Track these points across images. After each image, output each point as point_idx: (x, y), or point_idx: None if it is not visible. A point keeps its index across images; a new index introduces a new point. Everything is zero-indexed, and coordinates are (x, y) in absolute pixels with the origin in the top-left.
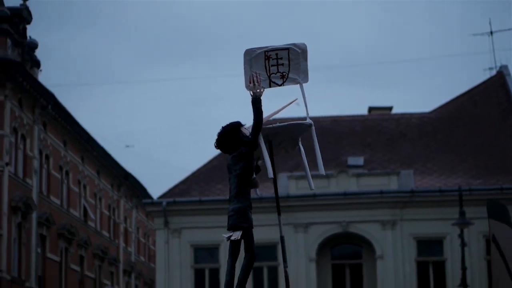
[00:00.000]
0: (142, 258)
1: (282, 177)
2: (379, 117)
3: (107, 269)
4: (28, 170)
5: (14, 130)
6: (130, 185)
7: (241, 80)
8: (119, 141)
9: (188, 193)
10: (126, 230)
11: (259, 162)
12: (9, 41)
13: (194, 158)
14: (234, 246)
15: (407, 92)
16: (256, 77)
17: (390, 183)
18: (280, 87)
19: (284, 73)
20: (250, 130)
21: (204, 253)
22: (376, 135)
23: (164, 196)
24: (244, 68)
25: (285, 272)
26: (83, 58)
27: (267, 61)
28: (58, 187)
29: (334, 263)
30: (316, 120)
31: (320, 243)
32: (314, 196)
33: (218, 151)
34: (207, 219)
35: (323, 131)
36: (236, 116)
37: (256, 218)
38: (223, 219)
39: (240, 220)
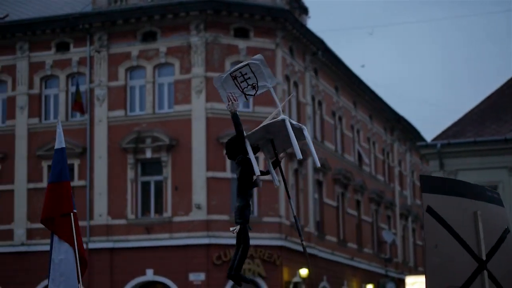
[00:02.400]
0: (418, 202)
1: None
2: None
3: (384, 213)
4: (301, 117)
5: (286, 78)
6: (403, 128)
7: None
8: (390, 85)
9: (463, 134)
10: (401, 173)
11: (281, 156)
12: None
13: (467, 98)
14: (237, 237)
15: None
16: (232, 96)
17: None
18: (255, 96)
19: (253, 84)
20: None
21: None
22: None
23: (438, 138)
24: (220, 93)
25: (302, 245)
26: (348, 2)
27: (235, 80)
28: (332, 132)
29: None
30: None
31: None
32: None
33: (492, 90)
34: (483, 160)
35: None
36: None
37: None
38: (499, 160)
39: (237, 217)
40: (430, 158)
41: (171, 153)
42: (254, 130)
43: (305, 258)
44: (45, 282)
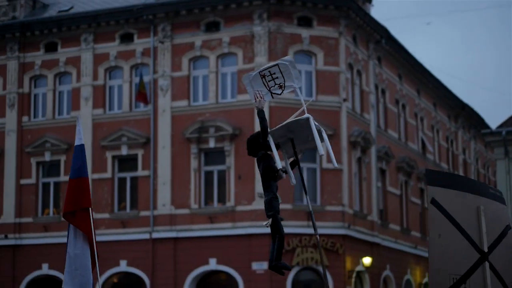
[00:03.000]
0: None
1: None
2: None
3: None
4: (365, 105)
5: (350, 66)
6: (467, 116)
7: None
8: (453, 72)
9: None
10: (465, 161)
11: (300, 156)
12: None
13: None
14: (271, 229)
15: None
16: (259, 93)
17: None
18: (280, 95)
19: (281, 84)
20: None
21: None
22: None
23: (503, 125)
24: (248, 90)
25: (316, 239)
26: None
27: (263, 79)
28: (395, 120)
29: None
30: None
31: None
32: None
33: None
34: None
35: None
36: None
37: None
38: None
39: (268, 210)
40: (495, 145)
41: (234, 143)
42: (276, 127)
43: (366, 247)
44: (109, 272)
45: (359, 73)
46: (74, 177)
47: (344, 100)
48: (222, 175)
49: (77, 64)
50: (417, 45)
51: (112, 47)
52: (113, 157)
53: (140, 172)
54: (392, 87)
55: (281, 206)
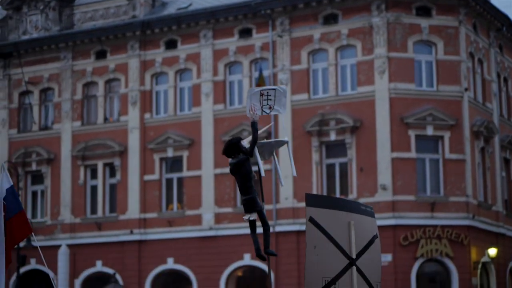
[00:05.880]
0: None
1: None
2: None
3: None
4: (487, 94)
5: (471, 55)
6: None
7: None
8: None
9: None
10: None
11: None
12: None
13: None
14: (252, 224)
15: None
16: (254, 106)
17: None
18: (268, 114)
19: (271, 106)
20: (246, 143)
21: None
22: None
23: None
24: (247, 102)
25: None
26: None
27: (261, 97)
28: None
29: None
30: None
31: None
32: None
33: None
34: None
35: None
36: None
37: None
38: None
39: (254, 206)
40: None
41: (355, 135)
42: (262, 141)
43: (492, 237)
44: (233, 265)
45: (480, 61)
46: (11, 217)
47: (466, 89)
48: (344, 168)
49: (197, 61)
50: None
51: (231, 43)
52: None
53: (264, 166)
54: None
55: (404, 198)
